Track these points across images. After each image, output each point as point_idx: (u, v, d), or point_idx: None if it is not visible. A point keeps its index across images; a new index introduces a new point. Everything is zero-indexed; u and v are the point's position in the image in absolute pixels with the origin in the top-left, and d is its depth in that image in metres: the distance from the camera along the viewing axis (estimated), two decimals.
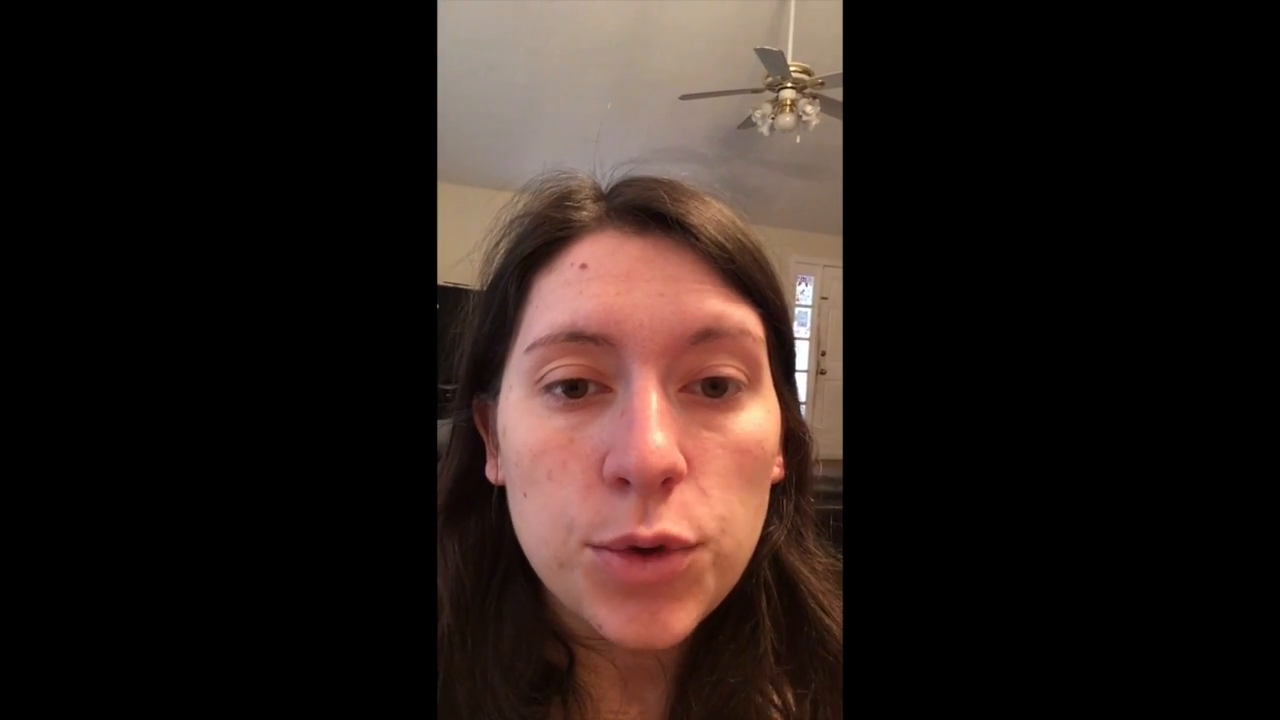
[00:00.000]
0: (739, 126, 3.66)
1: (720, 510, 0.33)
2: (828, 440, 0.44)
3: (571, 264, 0.35)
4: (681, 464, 0.31)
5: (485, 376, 0.39)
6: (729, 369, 0.34)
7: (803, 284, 5.72)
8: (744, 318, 0.35)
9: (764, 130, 3.30)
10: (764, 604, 0.38)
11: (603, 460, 0.32)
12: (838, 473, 0.45)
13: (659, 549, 0.32)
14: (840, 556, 0.41)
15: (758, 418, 0.35)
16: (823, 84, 3.11)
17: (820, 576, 0.40)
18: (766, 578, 0.39)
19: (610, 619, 0.32)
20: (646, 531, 0.31)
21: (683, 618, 0.32)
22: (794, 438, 0.40)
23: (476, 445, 0.41)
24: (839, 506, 0.39)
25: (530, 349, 0.34)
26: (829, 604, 0.40)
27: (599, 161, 0.41)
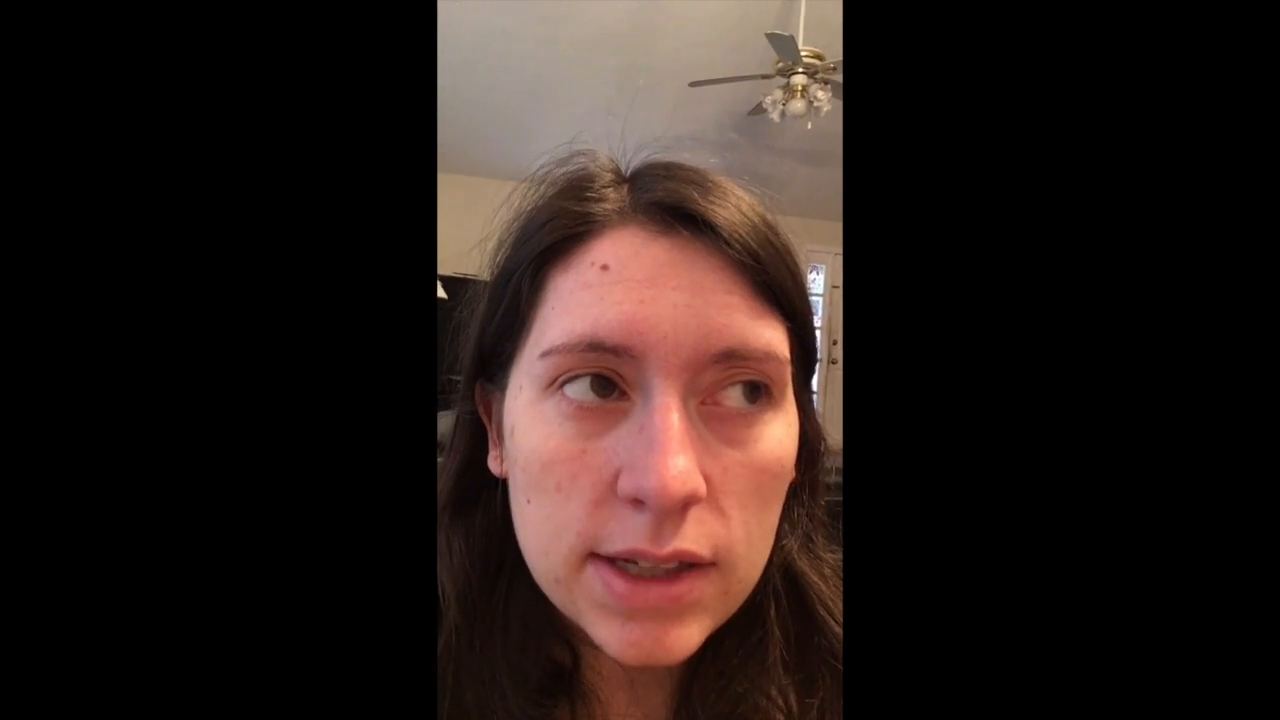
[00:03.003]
0: (750, 113, 3.63)
1: (738, 532, 0.32)
2: (838, 430, 0.43)
3: (592, 264, 0.33)
4: (702, 488, 0.30)
5: (492, 369, 0.38)
6: (752, 384, 0.33)
7: (814, 272, 5.69)
8: (770, 338, 0.33)
9: (775, 117, 3.27)
10: (773, 612, 0.37)
11: (615, 475, 0.31)
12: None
13: (670, 569, 0.31)
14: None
15: (779, 434, 0.34)
16: (834, 69, 3.08)
17: (829, 580, 0.40)
18: (776, 586, 0.38)
19: (612, 640, 0.31)
20: (660, 551, 0.30)
21: (687, 640, 0.31)
22: (809, 444, 0.39)
23: (480, 436, 0.40)
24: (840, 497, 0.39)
25: (546, 355, 0.32)
26: (837, 609, 0.39)
27: (622, 139, 0.38)
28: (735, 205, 0.35)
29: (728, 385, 0.33)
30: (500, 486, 0.38)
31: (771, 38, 2.87)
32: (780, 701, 0.36)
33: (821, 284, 5.75)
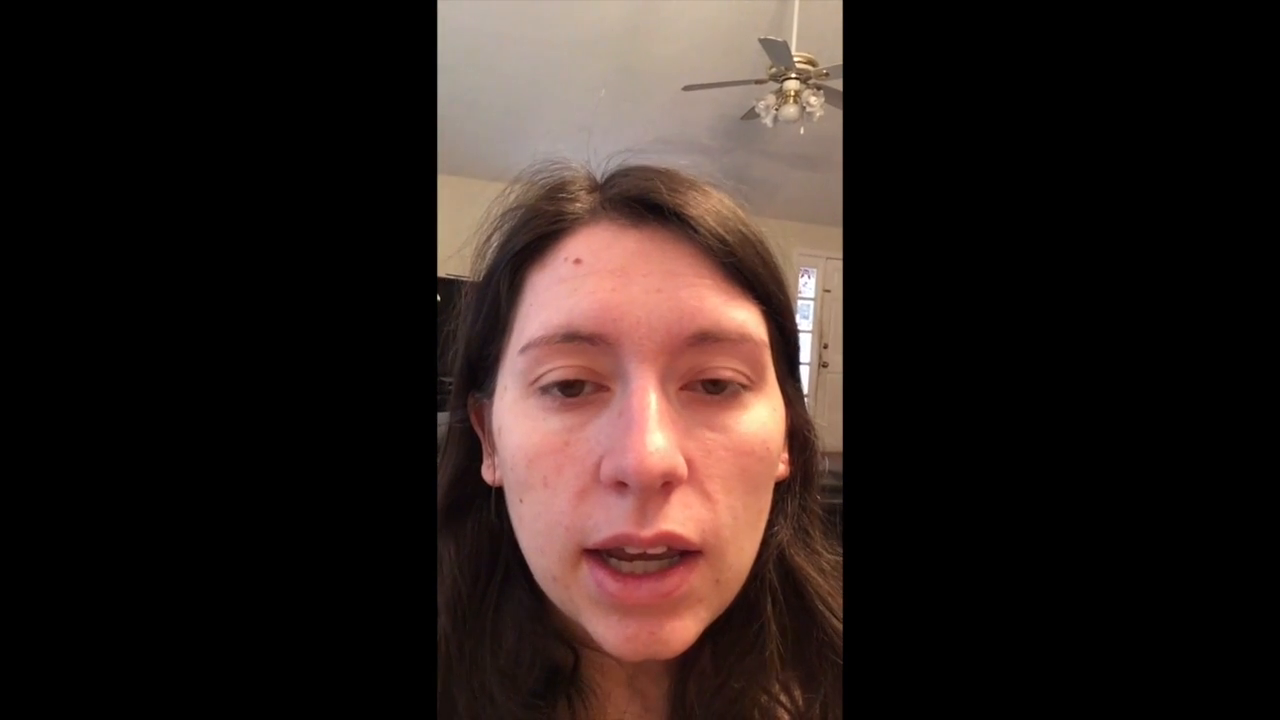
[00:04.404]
0: (742, 117, 3.64)
1: (724, 517, 0.32)
2: (830, 434, 0.43)
3: (565, 259, 0.34)
4: (682, 467, 0.30)
5: (480, 376, 0.38)
6: (728, 371, 0.33)
7: (805, 276, 5.72)
8: (744, 319, 0.34)
9: (768, 121, 3.29)
10: (769, 607, 0.37)
11: (599, 463, 0.31)
12: (840, 466, 0.44)
13: (657, 562, 0.31)
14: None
15: (762, 417, 0.34)
16: (827, 75, 3.10)
17: (828, 576, 0.39)
18: (771, 580, 0.38)
19: (609, 636, 0.31)
20: (644, 533, 0.30)
21: (683, 633, 0.32)
22: (799, 434, 0.39)
23: (473, 445, 0.40)
24: (842, 500, 0.39)
25: (525, 349, 0.33)
26: (837, 605, 0.39)
27: (593, 151, 0.39)
28: (704, 196, 0.36)
29: (705, 375, 0.33)
30: (494, 495, 0.38)
31: (765, 43, 2.89)
32: (783, 697, 0.37)
33: (813, 288, 5.78)
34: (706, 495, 0.32)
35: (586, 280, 0.33)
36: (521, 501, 0.33)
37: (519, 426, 0.33)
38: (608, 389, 0.32)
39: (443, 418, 0.39)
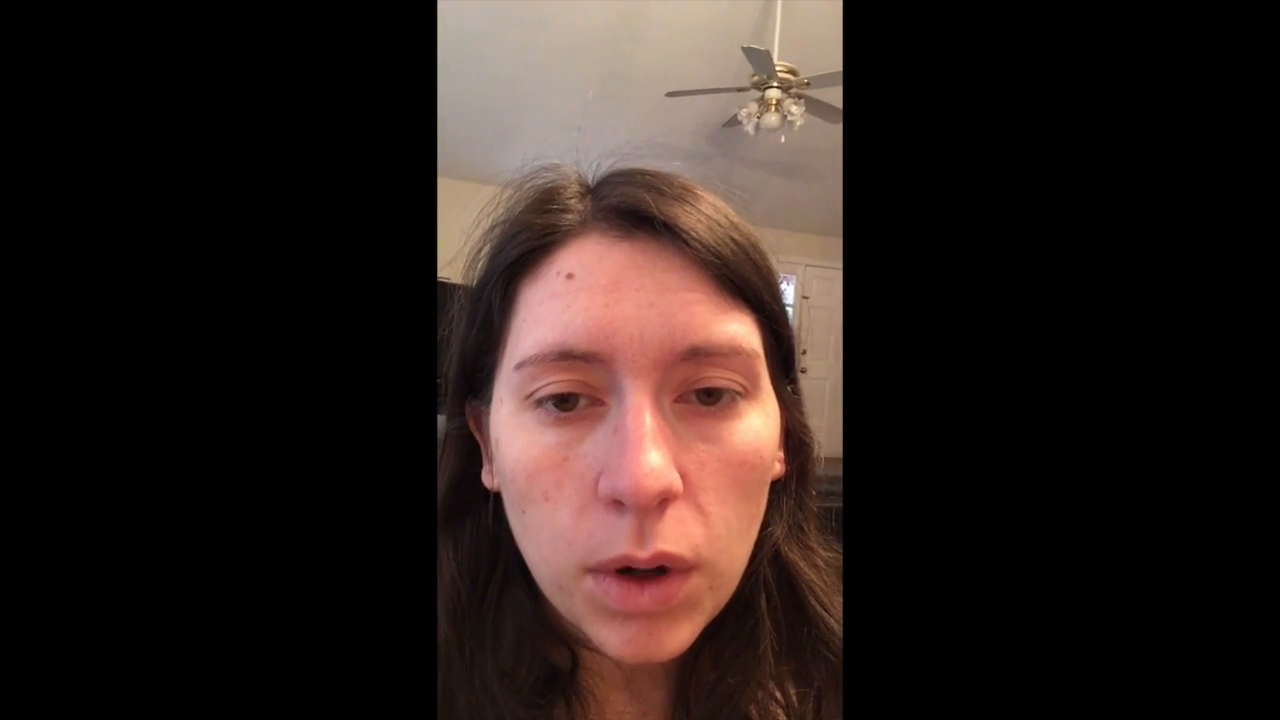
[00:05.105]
0: (724, 125, 3.66)
1: (718, 529, 0.32)
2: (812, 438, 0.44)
3: (558, 273, 0.34)
4: (677, 484, 0.31)
5: (476, 385, 0.39)
6: (723, 381, 0.33)
7: (785, 283, 5.74)
8: (736, 331, 0.34)
9: (749, 129, 3.31)
10: (763, 603, 0.38)
11: (597, 479, 0.31)
12: (830, 470, 0.45)
13: (657, 570, 0.31)
14: (841, 550, 0.41)
15: (755, 425, 0.34)
16: (808, 84, 3.12)
17: (822, 572, 0.40)
18: (766, 576, 0.38)
19: (609, 639, 0.32)
20: (643, 554, 0.31)
21: (680, 636, 0.32)
22: (794, 436, 0.39)
23: (470, 451, 0.40)
24: (830, 503, 0.39)
25: (520, 366, 0.33)
26: (830, 601, 0.39)
27: (584, 152, 0.39)
28: (693, 205, 0.35)
29: (699, 385, 0.33)
30: (492, 499, 0.38)
31: (747, 51, 2.91)
32: (777, 693, 0.37)
33: (791, 294, 5.82)
34: (700, 509, 0.32)
35: (579, 296, 0.33)
36: (524, 513, 0.34)
37: (516, 440, 0.34)
38: (602, 403, 0.33)
39: (440, 418, 0.39)
